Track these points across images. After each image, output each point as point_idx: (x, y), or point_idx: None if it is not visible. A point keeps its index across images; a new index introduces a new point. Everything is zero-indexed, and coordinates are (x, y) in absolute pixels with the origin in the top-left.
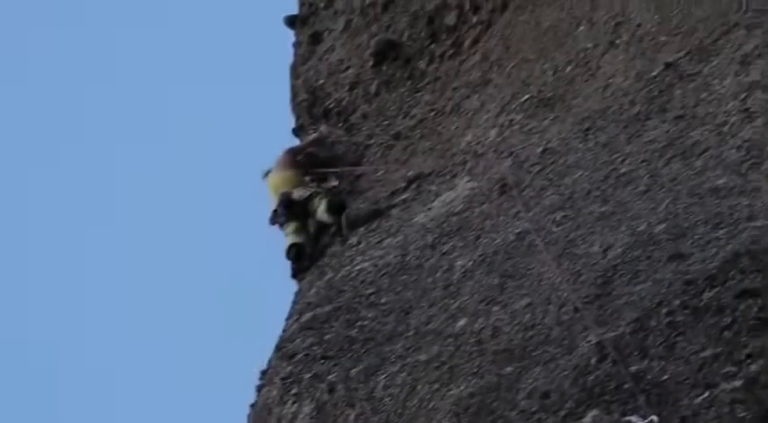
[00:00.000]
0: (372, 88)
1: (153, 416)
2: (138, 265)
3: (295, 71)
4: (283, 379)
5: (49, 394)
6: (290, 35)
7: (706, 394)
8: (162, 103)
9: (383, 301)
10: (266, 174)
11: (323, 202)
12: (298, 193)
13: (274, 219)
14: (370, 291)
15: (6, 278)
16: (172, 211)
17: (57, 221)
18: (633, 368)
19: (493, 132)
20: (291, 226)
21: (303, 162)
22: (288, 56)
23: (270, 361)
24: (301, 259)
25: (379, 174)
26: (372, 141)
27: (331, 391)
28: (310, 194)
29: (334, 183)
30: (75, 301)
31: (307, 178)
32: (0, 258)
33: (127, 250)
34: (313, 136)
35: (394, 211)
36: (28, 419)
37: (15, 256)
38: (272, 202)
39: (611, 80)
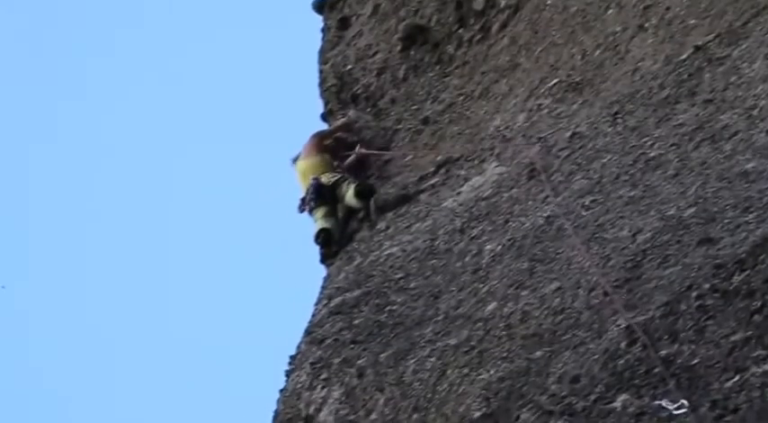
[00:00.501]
0: (400, 73)
1: (183, 401)
2: (169, 247)
3: (323, 56)
4: (313, 364)
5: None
6: (318, 20)
7: (736, 378)
8: (192, 89)
9: (412, 285)
10: (295, 159)
11: (351, 187)
12: (326, 178)
13: (302, 206)
14: (398, 275)
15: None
16: (205, 196)
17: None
18: (663, 352)
19: (521, 117)
20: (320, 211)
21: (331, 147)
22: (316, 41)
23: (299, 346)
24: (330, 244)
25: (407, 159)
26: (401, 126)
27: (360, 375)
28: (338, 179)
29: (362, 150)
30: (94, 286)
31: (335, 163)
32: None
33: (156, 235)
34: (341, 120)
35: (422, 196)
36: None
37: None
38: (300, 189)
39: (639, 64)
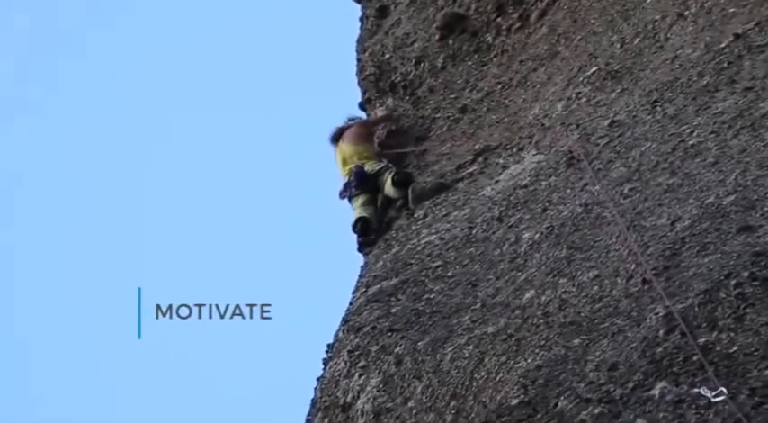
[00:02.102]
0: (439, 62)
1: (222, 389)
2: (207, 240)
3: (361, 45)
4: (350, 352)
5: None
6: (356, 9)
7: None
8: (228, 81)
9: (450, 273)
10: (333, 138)
11: (390, 176)
12: (370, 167)
13: (343, 192)
14: (436, 264)
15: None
16: (241, 187)
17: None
18: (702, 340)
19: (560, 105)
20: (360, 199)
21: (378, 136)
22: (354, 30)
23: (336, 334)
24: (367, 233)
25: (445, 147)
26: (439, 115)
27: (398, 363)
28: (381, 168)
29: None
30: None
31: (378, 150)
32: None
33: (195, 234)
34: (383, 113)
35: (460, 185)
36: None
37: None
38: (338, 171)
39: (679, 52)
